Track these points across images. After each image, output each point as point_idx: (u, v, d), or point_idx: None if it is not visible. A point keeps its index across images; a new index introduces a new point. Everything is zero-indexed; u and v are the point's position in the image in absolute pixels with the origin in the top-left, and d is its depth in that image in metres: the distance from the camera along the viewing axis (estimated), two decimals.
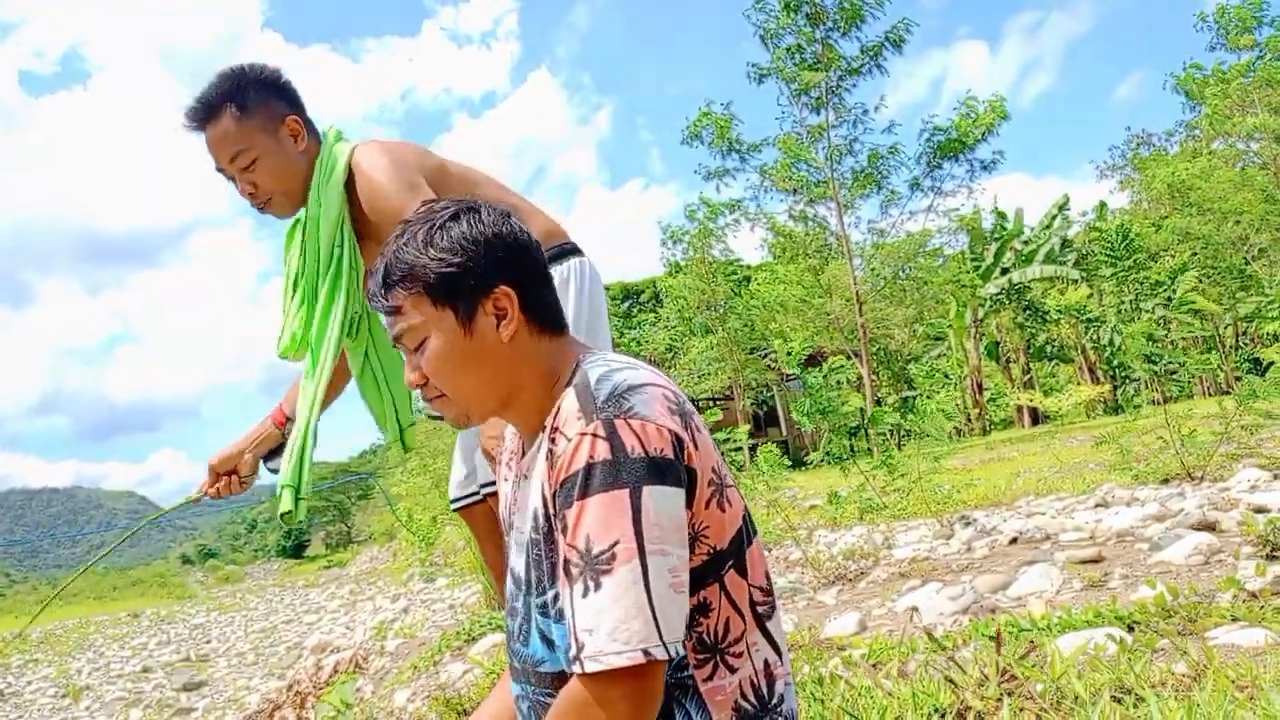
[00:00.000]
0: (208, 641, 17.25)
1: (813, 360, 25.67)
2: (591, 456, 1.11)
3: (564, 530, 1.13)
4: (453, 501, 2.69)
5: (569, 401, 1.18)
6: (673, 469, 1.12)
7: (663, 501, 1.10)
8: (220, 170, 2.20)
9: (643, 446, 1.11)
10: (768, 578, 1.30)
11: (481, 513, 2.64)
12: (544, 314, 1.30)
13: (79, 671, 14.09)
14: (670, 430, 1.14)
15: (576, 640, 1.09)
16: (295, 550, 71.99)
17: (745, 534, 1.27)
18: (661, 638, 1.07)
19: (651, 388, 1.18)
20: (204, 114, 2.14)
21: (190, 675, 12.15)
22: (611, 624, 1.06)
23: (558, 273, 2.26)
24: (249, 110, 2.14)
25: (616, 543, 1.08)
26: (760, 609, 1.27)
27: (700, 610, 1.20)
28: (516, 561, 1.34)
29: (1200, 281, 26.75)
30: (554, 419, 1.19)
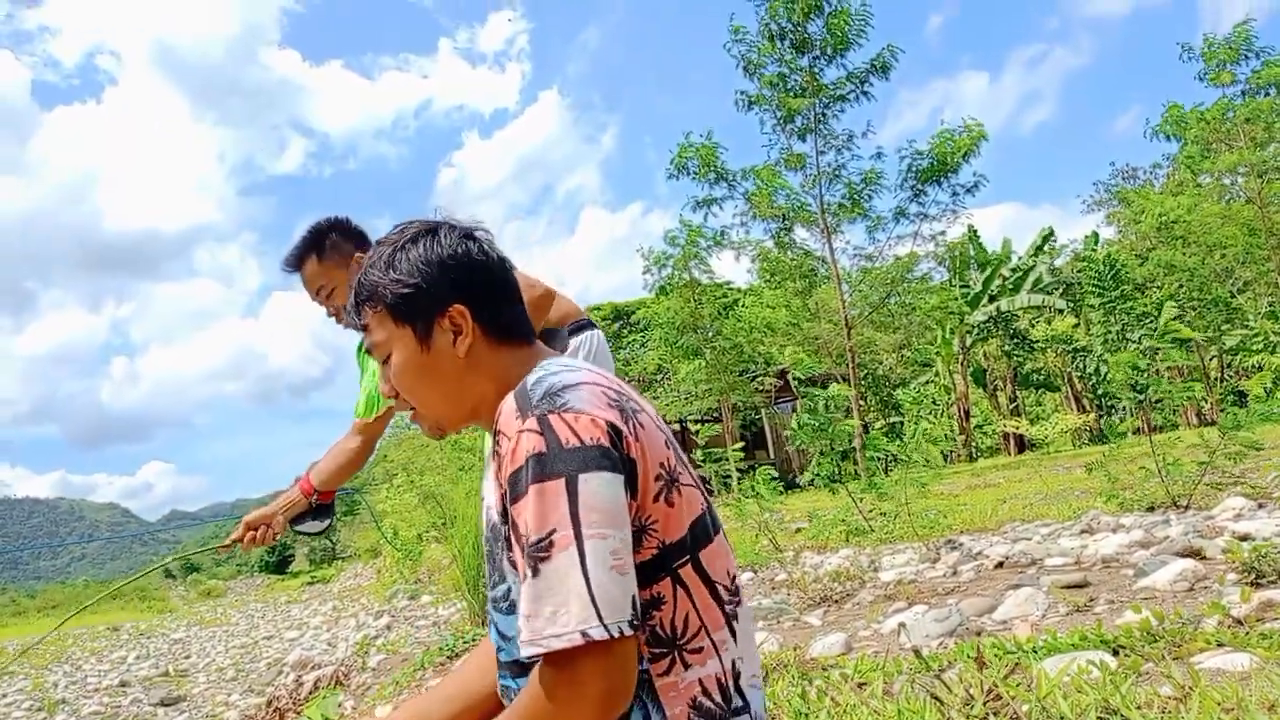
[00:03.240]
0: (187, 656, 17.05)
1: (809, 383, 25.73)
2: (528, 451, 1.14)
3: (514, 526, 1.16)
4: None
5: (508, 404, 1.23)
6: (610, 456, 1.15)
7: (600, 487, 1.13)
8: (313, 298, 2.83)
9: (576, 437, 1.14)
10: (732, 576, 1.31)
11: None
12: (503, 327, 1.37)
13: (55, 685, 13.89)
14: (605, 420, 1.18)
15: (520, 625, 1.13)
16: (279, 566, 71.35)
17: (705, 529, 1.28)
18: (601, 619, 1.08)
19: (588, 385, 1.23)
20: (295, 263, 2.81)
21: (168, 690, 11.99)
22: (550, 609, 1.09)
23: (573, 343, 2.67)
24: (325, 255, 2.78)
25: (553, 530, 1.11)
26: (728, 606, 1.28)
27: (652, 604, 1.22)
28: (485, 546, 1.39)
29: (1185, 312, 26.97)
30: (496, 421, 1.24)
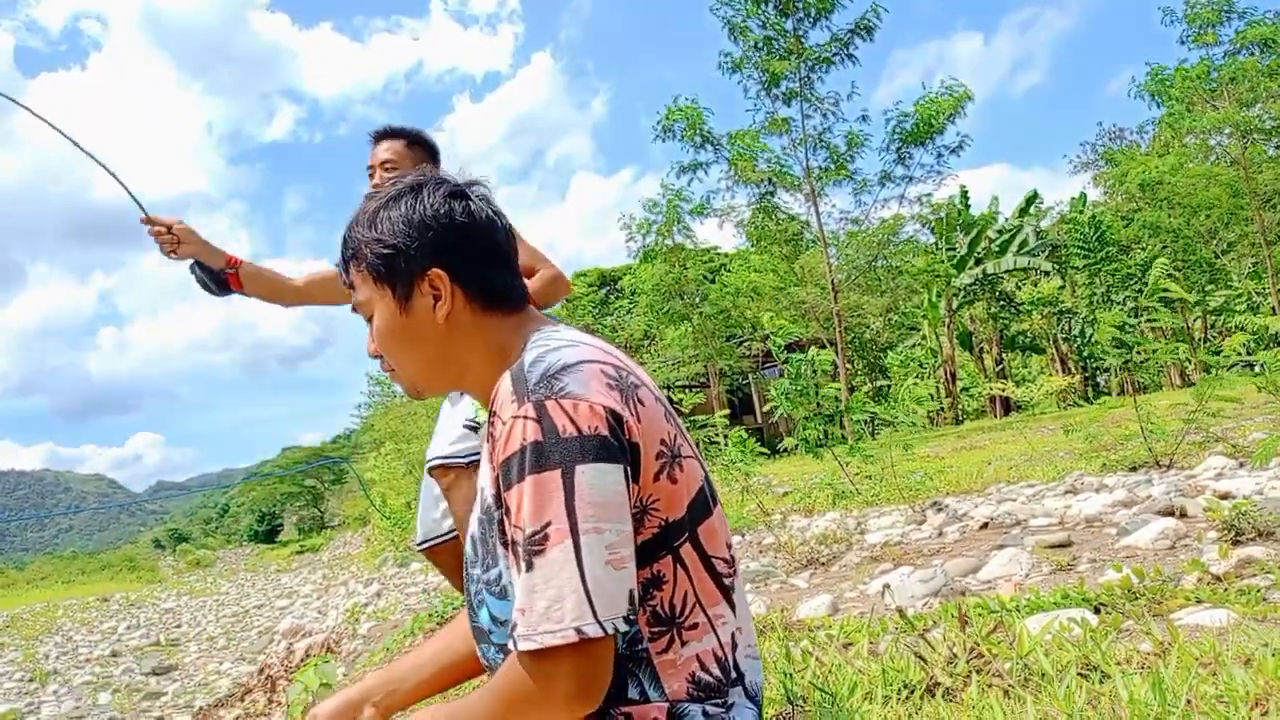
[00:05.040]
0: (178, 626, 17.12)
1: (791, 349, 25.72)
2: (524, 439, 1.11)
3: (508, 513, 1.14)
4: (421, 543, 2.95)
5: (504, 384, 1.19)
6: (608, 446, 1.12)
7: (598, 478, 1.10)
8: (370, 169, 2.89)
9: (574, 426, 1.11)
10: (728, 547, 1.30)
11: (450, 549, 2.82)
12: (488, 293, 1.31)
13: (46, 656, 13.93)
14: (605, 407, 1.13)
15: (515, 619, 1.11)
16: (268, 535, 71.50)
17: (704, 503, 1.26)
18: (596, 616, 1.07)
19: (588, 365, 1.18)
20: (388, 132, 2.90)
21: (160, 659, 12.05)
22: (545, 604, 1.07)
23: None
24: (412, 146, 2.89)
25: (549, 524, 1.08)
26: (725, 580, 1.27)
27: (653, 583, 1.20)
28: (474, 530, 1.35)
29: (1171, 273, 27.09)
30: (493, 401, 1.20)
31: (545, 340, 1.25)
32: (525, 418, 1.12)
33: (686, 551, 1.22)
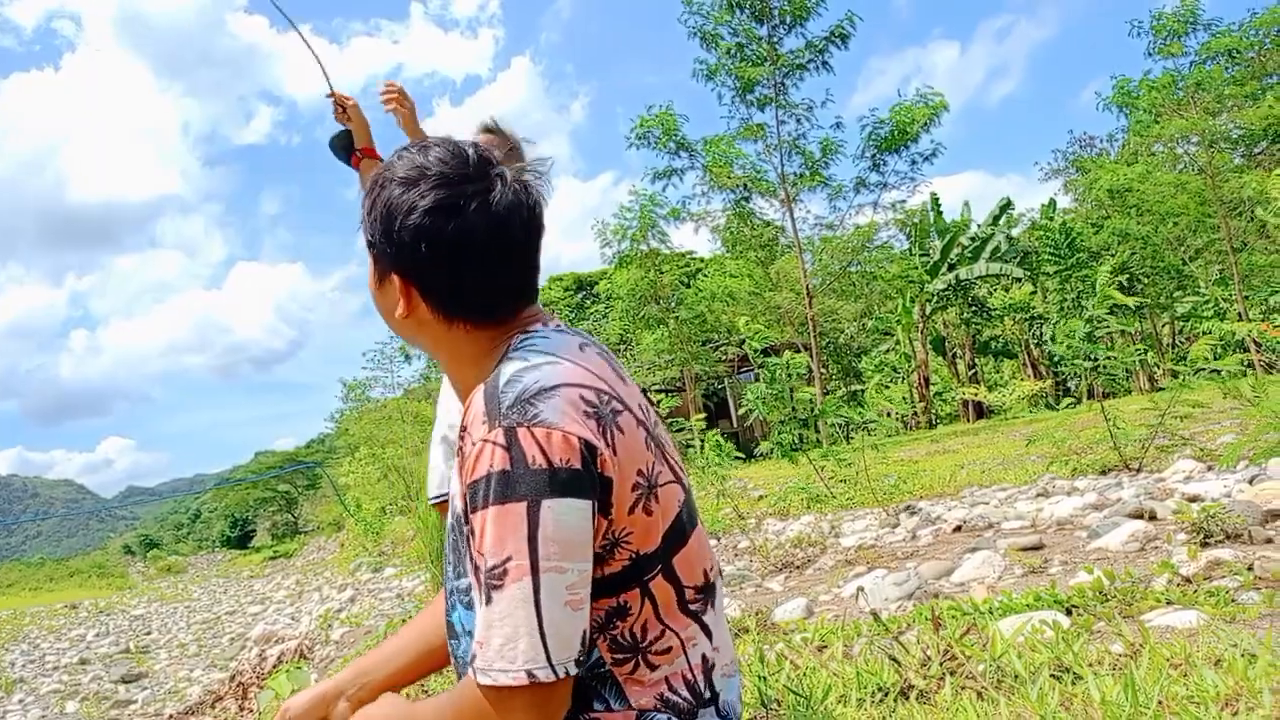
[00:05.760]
0: (148, 633, 16.89)
1: (766, 353, 25.81)
2: (490, 465, 1.07)
3: (472, 535, 1.11)
4: (435, 498, 2.94)
5: (477, 401, 1.14)
6: (578, 480, 1.08)
7: (564, 515, 1.06)
8: None
9: (545, 457, 1.07)
10: (706, 573, 1.26)
11: None
12: (459, 306, 1.24)
13: (12, 664, 13.69)
14: (579, 438, 1.09)
15: (474, 649, 1.09)
16: (241, 540, 70.78)
17: (680, 531, 1.23)
18: (549, 659, 1.05)
19: (566, 389, 1.13)
20: (495, 126, 2.93)
21: (129, 667, 11.88)
22: (500, 641, 1.06)
23: None
24: (501, 135, 2.89)
25: (509, 559, 1.05)
26: (693, 606, 1.24)
27: (617, 614, 1.18)
28: (448, 536, 1.33)
29: (1138, 280, 27.44)
30: (464, 415, 1.16)
31: (526, 353, 1.19)
32: (494, 444, 1.08)
33: (657, 584, 1.20)
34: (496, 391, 1.13)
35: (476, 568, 1.10)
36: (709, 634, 1.25)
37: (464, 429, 1.15)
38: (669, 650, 1.21)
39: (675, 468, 1.27)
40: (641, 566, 1.18)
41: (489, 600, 1.07)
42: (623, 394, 1.22)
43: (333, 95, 3.10)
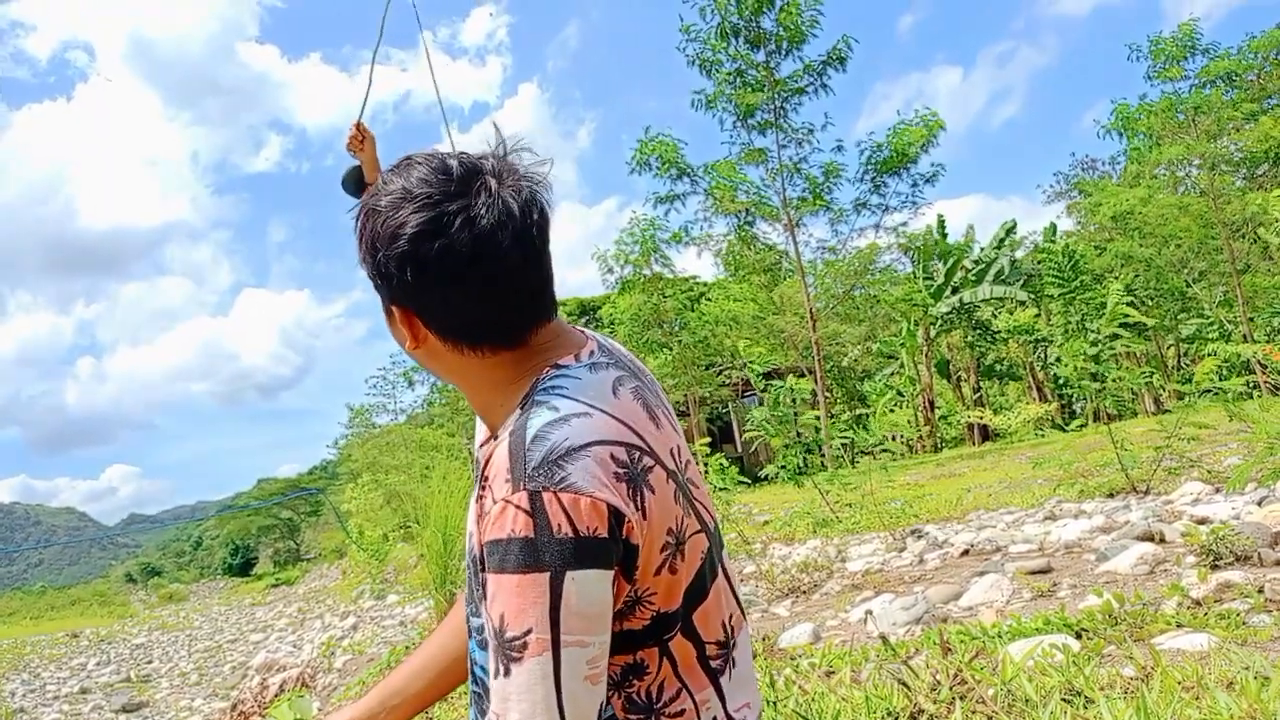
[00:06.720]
0: (149, 662, 16.80)
1: (769, 377, 25.79)
2: (514, 530, 1.02)
3: (484, 589, 1.07)
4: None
5: (500, 455, 1.08)
6: (604, 550, 1.03)
7: (587, 587, 1.03)
8: None
9: (571, 526, 1.02)
10: (725, 625, 1.24)
11: None
12: (464, 332, 1.16)
13: (13, 694, 13.62)
14: (608, 504, 1.04)
15: (491, 718, 1.07)
16: (242, 568, 70.56)
17: (701, 587, 1.19)
18: None
19: (596, 448, 1.07)
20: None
21: (130, 696, 11.81)
22: (517, 715, 1.03)
23: None
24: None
25: (529, 631, 1.02)
26: (714, 664, 1.21)
27: (634, 671, 1.16)
28: (467, 570, 1.31)
29: (1142, 302, 27.45)
30: (485, 466, 1.11)
31: (555, 399, 1.12)
32: (518, 507, 1.02)
33: (677, 643, 1.17)
34: (523, 448, 1.07)
35: (491, 632, 1.06)
36: (723, 698, 1.22)
37: (485, 479, 1.09)
38: (683, 713, 1.18)
39: (703, 513, 1.23)
40: (661, 625, 1.15)
41: (507, 672, 1.04)
42: (654, 443, 1.16)
43: (358, 123, 3.05)
